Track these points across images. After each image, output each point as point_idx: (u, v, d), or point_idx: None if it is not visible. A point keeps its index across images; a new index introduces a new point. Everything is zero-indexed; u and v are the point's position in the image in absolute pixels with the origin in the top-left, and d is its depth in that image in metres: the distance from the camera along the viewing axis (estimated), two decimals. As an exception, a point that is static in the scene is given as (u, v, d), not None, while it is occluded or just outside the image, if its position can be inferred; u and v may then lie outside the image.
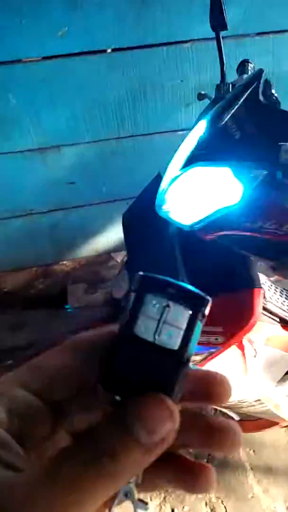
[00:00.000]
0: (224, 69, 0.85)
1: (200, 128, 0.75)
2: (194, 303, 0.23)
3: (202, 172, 0.69)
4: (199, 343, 0.75)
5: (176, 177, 0.73)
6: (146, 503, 0.24)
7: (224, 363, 0.86)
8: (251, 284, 0.74)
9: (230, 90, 0.84)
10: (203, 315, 0.23)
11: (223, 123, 0.68)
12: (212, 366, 0.80)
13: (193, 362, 0.82)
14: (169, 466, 0.24)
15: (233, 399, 0.95)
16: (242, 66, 0.95)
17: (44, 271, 1.87)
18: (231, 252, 0.76)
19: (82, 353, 0.24)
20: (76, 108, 1.42)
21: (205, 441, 0.24)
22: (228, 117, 0.68)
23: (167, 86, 1.43)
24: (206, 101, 1.01)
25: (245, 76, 0.87)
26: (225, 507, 1.37)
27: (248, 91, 0.69)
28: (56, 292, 1.89)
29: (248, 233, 0.64)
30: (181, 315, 0.22)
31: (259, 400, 0.94)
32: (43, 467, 0.20)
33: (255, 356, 0.88)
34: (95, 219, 1.76)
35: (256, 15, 1.34)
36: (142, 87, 1.41)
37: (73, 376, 0.24)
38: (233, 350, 0.86)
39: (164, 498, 1.39)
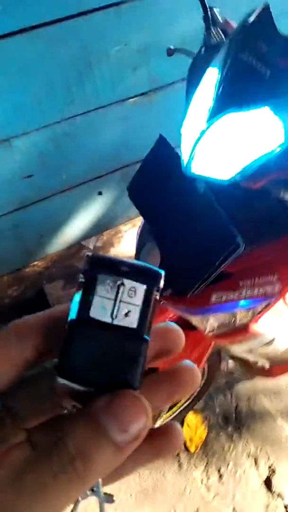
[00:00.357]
0: (209, 13, 0.81)
1: (212, 78, 0.70)
2: (147, 278, 0.22)
3: (236, 118, 0.65)
4: (257, 297, 0.73)
5: (204, 130, 0.68)
6: (111, 496, 0.24)
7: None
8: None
9: (221, 34, 0.81)
10: (158, 289, 0.22)
11: (247, 61, 0.64)
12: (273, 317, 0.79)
13: (252, 316, 0.80)
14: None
15: (278, 350, 0.95)
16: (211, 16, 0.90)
17: (15, 277, 1.74)
18: (269, 200, 0.74)
19: (25, 337, 0.23)
20: (19, 94, 1.30)
21: (169, 396, 0.24)
22: (250, 56, 0.65)
23: (112, 53, 1.35)
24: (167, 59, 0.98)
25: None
26: (266, 453, 1.41)
27: (261, 26, 0.66)
28: (33, 296, 1.78)
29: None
30: (136, 291, 0.22)
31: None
32: (5, 476, 0.19)
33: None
34: (60, 210, 1.66)
35: None
36: (86, 57, 1.32)
37: (14, 362, 0.22)
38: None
39: (207, 463, 1.40)
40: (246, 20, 0.68)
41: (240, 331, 0.84)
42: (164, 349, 0.24)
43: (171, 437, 0.24)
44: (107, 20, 1.28)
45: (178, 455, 1.42)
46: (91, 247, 1.83)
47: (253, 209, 0.75)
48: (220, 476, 1.37)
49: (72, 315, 0.22)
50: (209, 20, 0.81)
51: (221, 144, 0.69)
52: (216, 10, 0.91)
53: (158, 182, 0.84)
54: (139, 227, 1.00)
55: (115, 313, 0.22)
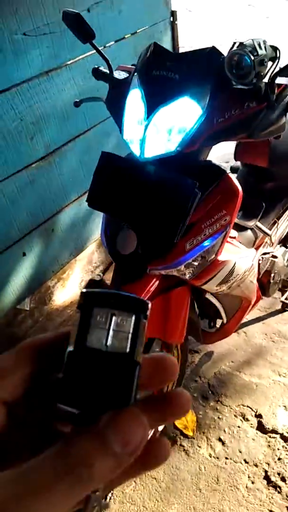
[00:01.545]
0: (110, 62, 1.14)
1: (136, 96, 1.02)
2: (136, 308, 0.25)
3: (166, 110, 0.97)
4: (216, 232, 1.02)
5: (147, 125, 0.98)
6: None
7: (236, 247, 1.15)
8: (222, 172, 1.06)
9: (122, 73, 1.15)
10: (145, 317, 0.25)
11: (159, 74, 0.98)
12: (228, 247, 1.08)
13: (217, 249, 1.07)
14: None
15: (239, 272, 1.24)
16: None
17: None
18: (200, 160, 1.06)
19: (37, 353, 0.26)
20: None
21: (162, 417, 0.26)
22: (159, 71, 0.99)
23: (11, 128, 1.60)
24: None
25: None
26: (248, 406, 1.63)
27: (159, 52, 1.01)
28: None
29: (222, 125, 0.95)
30: (126, 320, 0.25)
31: (247, 271, 1.27)
32: (10, 474, 0.21)
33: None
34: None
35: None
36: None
37: (24, 375, 0.25)
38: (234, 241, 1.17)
39: (207, 439, 1.54)
40: (145, 54, 1.03)
41: (212, 265, 1.10)
42: (159, 377, 0.26)
43: (160, 450, 0.26)
44: (3, 102, 1.54)
45: (180, 445, 1.54)
46: (27, 308, 1.90)
47: (191, 167, 1.05)
48: (223, 443, 1.53)
49: (71, 346, 0.24)
50: (110, 67, 1.15)
51: (161, 130, 0.99)
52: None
53: (113, 182, 1.09)
54: (101, 234, 1.21)
55: (108, 341, 0.24)
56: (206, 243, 1.06)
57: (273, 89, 0.92)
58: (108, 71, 1.17)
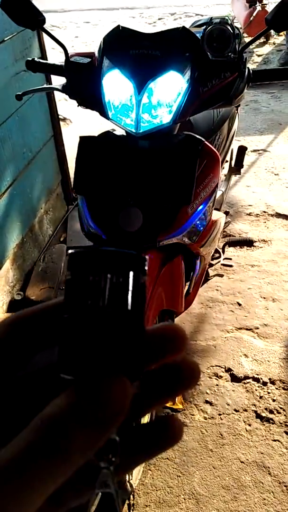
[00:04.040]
0: (66, 48, 1.13)
1: (115, 77, 1.05)
2: (133, 263, 0.23)
3: (154, 84, 1.03)
4: (209, 195, 1.14)
5: (140, 100, 1.03)
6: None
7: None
8: (200, 140, 1.17)
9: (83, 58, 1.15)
10: (144, 272, 0.24)
11: (139, 53, 1.03)
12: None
13: (212, 208, 1.18)
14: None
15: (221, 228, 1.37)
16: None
17: None
18: (173, 136, 1.15)
19: (23, 325, 0.24)
20: None
21: (172, 392, 0.25)
22: (138, 50, 1.04)
23: None
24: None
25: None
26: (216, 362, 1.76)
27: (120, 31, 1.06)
28: None
29: (207, 94, 1.06)
30: (125, 277, 0.23)
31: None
32: None
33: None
34: None
35: None
36: None
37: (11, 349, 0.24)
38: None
39: (196, 404, 1.63)
40: (113, 36, 1.07)
41: (208, 226, 1.20)
42: (168, 349, 0.25)
43: (175, 428, 0.25)
44: None
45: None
46: None
47: (171, 139, 1.13)
48: (211, 404, 1.63)
49: (66, 311, 0.22)
50: (67, 53, 1.14)
51: (153, 105, 1.05)
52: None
53: (103, 163, 1.09)
54: (84, 223, 1.18)
55: (108, 301, 0.22)
56: (202, 206, 1.16)
57: (243, 60, 1.07)
58: (43, 61, 1.17)
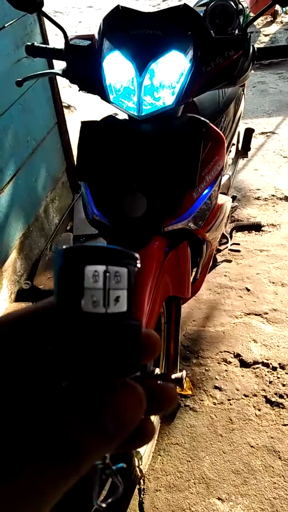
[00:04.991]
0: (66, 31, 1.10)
1: (116, 58, 1.02)
2: (127, 261, 0.23)
3: (157, 65, 1.00)
4: (214, 178, 1.11)
5: (141, 82, 1.00)
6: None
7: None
8: (205, 122, 1.14)
9: (83, 40, 1.13)
10: (139, 269, 0.23)
11: (141, 33, 1.00)
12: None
13: (217, 193, 1.16)
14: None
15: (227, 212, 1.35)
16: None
17: None
18: (177, 118, 1.12)
19: (14, 328, 0.24)
20: None
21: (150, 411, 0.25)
22: (138, 30, 1.01)
23: None
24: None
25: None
26: (226, 348, 1.75)
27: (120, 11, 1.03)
28: None
29: (210, 73, 1.03)
30: (121, 275, 0.22)
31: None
32: None
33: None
34: None
35: None
36: None
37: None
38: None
39: (205, 391, 1.63)
40: (113, 16, 1.04)
41: (214, 210, 1.18)
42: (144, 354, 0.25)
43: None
44: None
45: (185, 405, 1.59)
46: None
47: (175, 121, 1.10)
48: (220, 389, 1.63)
49: (62, 312, 0.21)
50: (67, 36, 1.12)
51: (155, 86, 1.02)
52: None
53: (104, 150, 1.07)
54: (88, 209, 1.17)
55: (107, 302, 0.21)
56: (207, 190, 1.13)
57: (247, 37, 1.04)
58: (44, 45, 1.14)
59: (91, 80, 1.09)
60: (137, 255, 0.23)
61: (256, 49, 1.09)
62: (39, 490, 0.18)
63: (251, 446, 1.45)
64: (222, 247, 2.05)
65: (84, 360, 0.21)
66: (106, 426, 0.20)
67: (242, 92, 1.88)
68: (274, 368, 1.67)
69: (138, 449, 1.34)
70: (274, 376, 1.65)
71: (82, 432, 0.20)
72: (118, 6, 1.06)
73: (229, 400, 1.59)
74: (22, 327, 0.24)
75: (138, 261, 0.23)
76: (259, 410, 1.55)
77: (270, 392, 1.60)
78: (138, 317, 0.23)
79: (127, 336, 0.22)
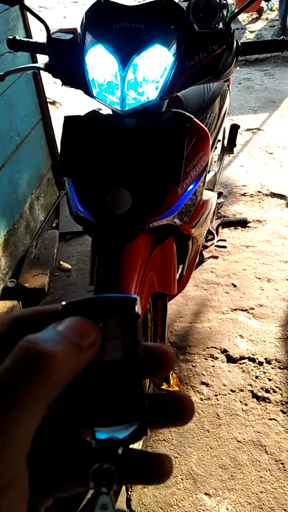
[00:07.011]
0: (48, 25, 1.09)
1: (99, 52, 1.01)
2: (122, 308, 0.24)
3: (139, 59, 0.99)
4: (199, 174, 1.11)
5: (124, 76, 0.99)
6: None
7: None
8: (189, 118, 1.14)
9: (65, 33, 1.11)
10: (136, 315, 0.24)
11: (123, 27, 0.99)
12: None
13: (202, 188, 1.15)
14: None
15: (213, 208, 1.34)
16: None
17: None
18: (161, 113, 1.11)
19: (25, 324, 0.25)
20: None
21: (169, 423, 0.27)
22: (121, 23, 1.00)
23: None
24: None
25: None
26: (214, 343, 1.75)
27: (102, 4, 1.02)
28: None
29: (194, 68, 1.02)
30: (116, 324, 0.23)
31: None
32: None
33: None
34: None
35: None
36: None
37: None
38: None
39: (192, 386, 1.63)
40: (95, 10, 1.02)
41: (199, 206, 1.17)
42: (157, 368, 0.25)
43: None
44: None
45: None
46: None
47: (159, 117, 1.09)
48: (207, 385, 1.63)
49: None
50: (49, 30, 1.10)
51: (138, 80, 1.01)
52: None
53: (90, 143, 1.06)
54: (72, 206, 1.15)
55: (103, 352, 0.23)
56: (192, 185, 1.13)
57: (230, 31, 1.03)
58: (27, 39, 1.13)
59: (74, 74, 1.08)
60: (135, 297, 0.24)
61: (240, 44, 1.08)
62: (17, 397, 0.20)
63: (238, 441, 1.46)
64: (208, 244, 2.05)
65: (85, 410, 0.23)
66: (72, 338, 0.22)
67: (227, 88, 1.88)
68: (260, 363, 1.68)
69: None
70: (260, 371, 1.66)
71: (51, 340, 0.22)
72: (101, -2, 1.05)
73: (216, 395, 1.60)
74: (27, 325, 0.25)
75: (137, 306, 0.24)
76: (246, 405, 1.56)
77: (256, 387, 1.61)
78: (140, 364, 0.24)
79: (123, 382, 0.23)
